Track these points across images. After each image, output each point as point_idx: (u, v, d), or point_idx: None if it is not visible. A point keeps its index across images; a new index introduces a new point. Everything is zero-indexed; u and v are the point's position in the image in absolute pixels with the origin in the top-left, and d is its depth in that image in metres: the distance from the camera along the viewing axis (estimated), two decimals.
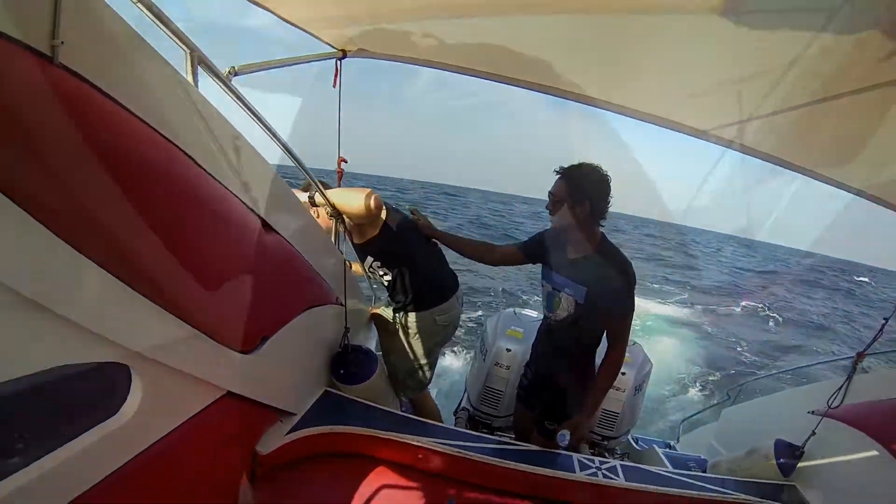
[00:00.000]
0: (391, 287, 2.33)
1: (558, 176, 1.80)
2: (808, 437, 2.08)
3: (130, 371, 1.05)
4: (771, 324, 14.78)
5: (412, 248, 2.23)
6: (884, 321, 1.96)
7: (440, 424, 2.03)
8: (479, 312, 9.86)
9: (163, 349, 1.11)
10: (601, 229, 1.82)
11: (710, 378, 8.78)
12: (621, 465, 1.91)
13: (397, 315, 2.40)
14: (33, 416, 0.94)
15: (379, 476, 1.76)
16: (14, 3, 0.71)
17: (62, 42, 0.76)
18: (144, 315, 1.04)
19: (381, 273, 2.28)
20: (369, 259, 2.26)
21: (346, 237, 2.24)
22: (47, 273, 0.84)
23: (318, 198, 1.92)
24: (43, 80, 0.75)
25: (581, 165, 1.76)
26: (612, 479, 1.81)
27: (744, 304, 16.50)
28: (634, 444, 3.20)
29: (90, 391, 1.05)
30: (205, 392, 1.31)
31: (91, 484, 0.96)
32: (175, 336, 1.14)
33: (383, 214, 2.12)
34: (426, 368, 2.44)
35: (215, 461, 1.43)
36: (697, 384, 8.40)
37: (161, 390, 1.13)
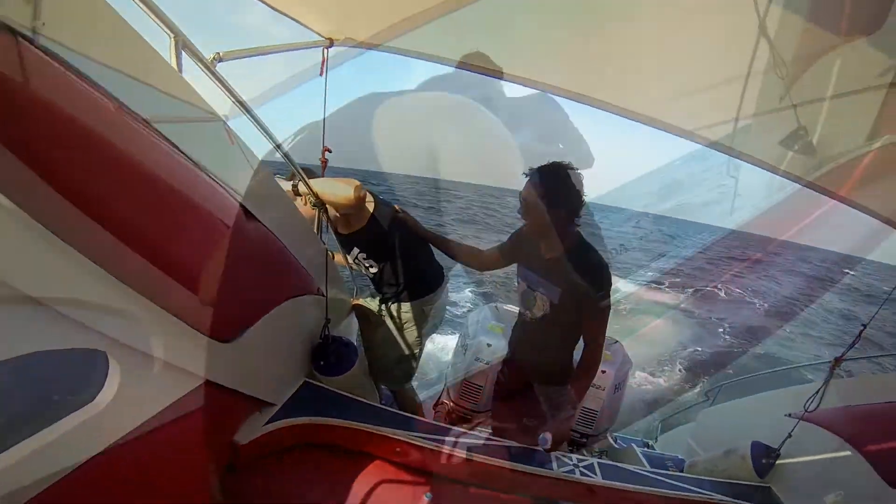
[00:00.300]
0: (378, 278, 2.32)
1: (527, 178, 1.73)
2: (785, 440, 2.11)
3: (108, 358, 1.04)
4: (756, 303, 15.59)
5: (402, 240, 2.21)
6: (862, 327, 1.99)
7: (419, 418, 2.03)
8: (468, 291, 10.37)
9: (140, 337, 1.10)
10: (577, 228, 1.78)
11: (697, 357, 9.32)
12: (599, 463, 1.92)
13: (384, 306, 2.39)
14: (9, 401, 0.92)
15: (357, 468, 1.76)
16: None
17: (44, 23, 0.75)
18: (122, 302, 1.03)
19: (367, 265, 2.27)
20: (355, 250, 2.24)
21: (329, 227, 2.22)
22: (23, 257, 0.82)
23: (302, 187, 1.90)
24: (23, 62, 0.74)
25: (550, 165, 1.71)
26: (589, 476, 1.82)
27: (727, 288, 17.16)
28: (613, 443, 3.23)
29: (68, 377, 1.04)
30: (183, 380, 1.30)
31: (68, 470, 0.95)
32: (153, 323, 1.12)
33: (371, 206, 2.10)
34: (413, 359, 2.44)
35: (193, 450, 1.41)
36: (677, 364, 8.86)
37: (139, 378, 1.12)
